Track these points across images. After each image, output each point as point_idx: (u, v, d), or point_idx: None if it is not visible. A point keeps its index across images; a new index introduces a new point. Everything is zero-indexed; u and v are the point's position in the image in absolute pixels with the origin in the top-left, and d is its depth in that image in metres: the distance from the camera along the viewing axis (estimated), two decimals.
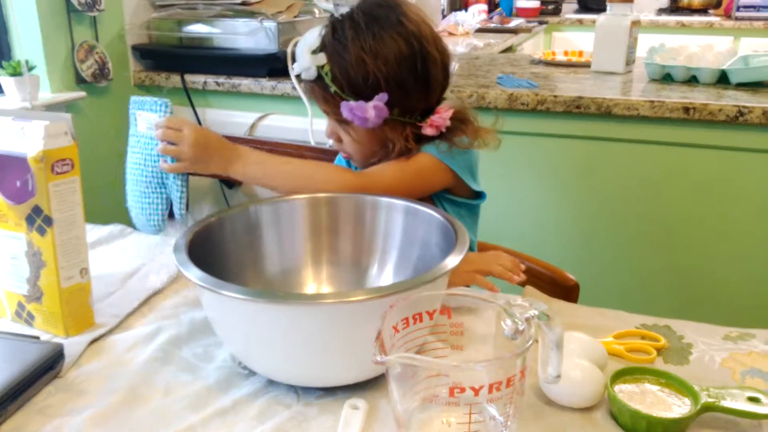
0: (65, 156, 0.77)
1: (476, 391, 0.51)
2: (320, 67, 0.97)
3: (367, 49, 0.95)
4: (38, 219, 0.77)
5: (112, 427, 0.64)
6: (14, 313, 0.83)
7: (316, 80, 0.99)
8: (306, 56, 0.97)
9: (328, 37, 0.98)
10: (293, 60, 1.77)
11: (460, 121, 1.02)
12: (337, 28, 0.98)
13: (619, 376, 0.67)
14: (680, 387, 0.65)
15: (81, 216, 0.80)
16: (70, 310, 0.80)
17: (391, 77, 0.96)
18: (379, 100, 0.96)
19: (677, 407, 0.63)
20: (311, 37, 0.99)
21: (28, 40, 1.67)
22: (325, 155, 1.40)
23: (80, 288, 0.81)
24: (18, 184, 0.77)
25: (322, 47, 0.97)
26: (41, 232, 0.77)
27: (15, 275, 0.81)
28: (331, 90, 0.97)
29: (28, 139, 0.76)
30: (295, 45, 1.81)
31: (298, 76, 1.01)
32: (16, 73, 1.56)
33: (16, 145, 0.76)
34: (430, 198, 1.04)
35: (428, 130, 1.00)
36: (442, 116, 1.01)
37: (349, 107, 0.96)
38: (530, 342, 0.54)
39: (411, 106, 1.00)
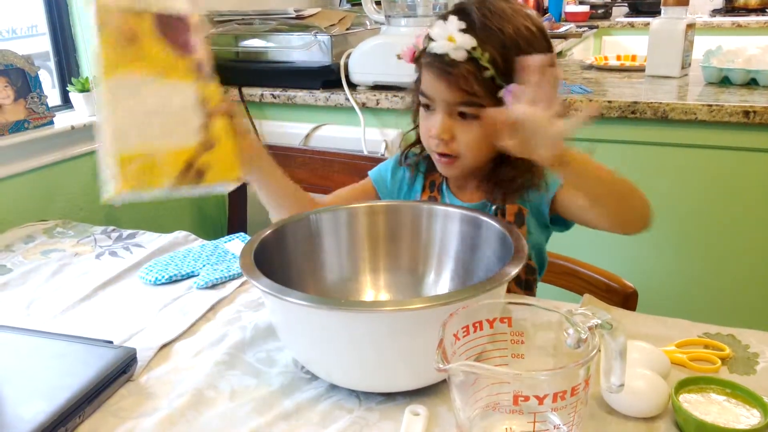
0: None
1: (540, 400, 0.52)
2: (472, 49, 0.87)
3: (527, 29, 0.89)
4: (202, 73, 0.82)
5: (181, 429, 0.67)
6: (178, 176, 0.80)
7: (464, 63, 0.87)
8: (456, 35, 0.87)
9: (477, 17, 0.88)
10: (346, 70, 1.81)
11: None
12: (483, 9, 0.89)
13: (683, 385, 0.66)
14: (748, 398, 0.64)
15: None
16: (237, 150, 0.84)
17: None
18: None
19: (745, 418, 0.62)
20: (451, 19, 0.89)
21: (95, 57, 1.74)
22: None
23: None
24: (185, 38, 0.81)
25: (470, 28, 0.87)
26: (207, 82, 0.82)
27: (184, 129, 0.81)
28: (484, 74, 0.86)
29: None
30: (348, 57, 1.85)
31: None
32: (84, 89, 1.63)
33: (177, 6, 0.81)
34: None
35: None
36: None
37: (514, 91, 0.82)
38: (594, 351, 0.54)
39: None
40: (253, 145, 0.90)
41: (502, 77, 0.86)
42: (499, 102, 0.85)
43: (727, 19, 3.61)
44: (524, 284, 0.99)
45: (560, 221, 0.99)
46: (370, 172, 1.10)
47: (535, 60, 0.74)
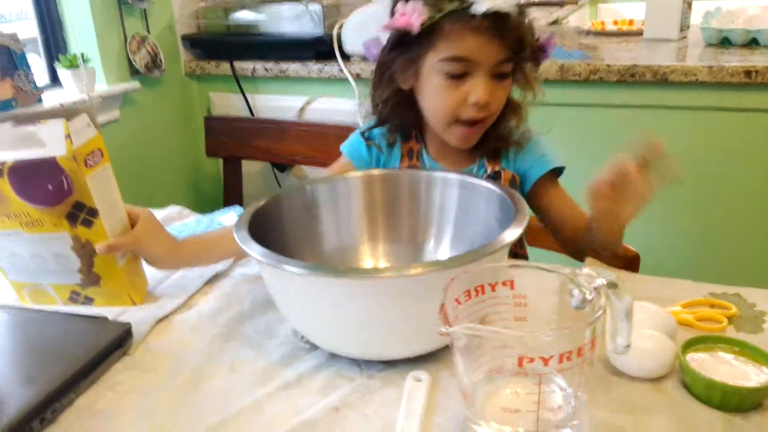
0: (94, 147, 0.77)
1: (546, 361, 0.50)
2: (518, 4, 0.84)
3: None
4: (82, 213, 0.77)
5: (180, 403, 0.66)
6: (67, 299, 0.85)
7: (515, 16, 0.85)
8: None
9: None
10: (339, 41, 1.78)
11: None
12: None
13: (690, 345, 0.65)
14: (757, 356, 0.63)
15: (120, 198, 0.82)
16: (131, 282, 0.84)
17: None
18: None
19: (755, 376, 0.61)
20: None
21: (82, 34, 1.71)
22: None
23: (132, 261, 0.84)
24: (50, 187, 0.75)
25: None
26: (88, 224, 0.78)
27: (63, 271, 0.82)
28: (528, 23, 0.87)
29: (49, 142, 0.74)
30: (341, 27, 1.82)
31: None
32: (72, 66, 1.60)
33: (34, 152, 0.74)
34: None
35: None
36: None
37: (553, 33, 0.89)
38: (600, 311, 0.52)
39: None
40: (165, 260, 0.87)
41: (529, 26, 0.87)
42: (533, 49, 0.88)
43: None
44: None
45: None
46: (342, 147, 1.04)
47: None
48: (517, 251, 1.04)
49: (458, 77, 0.87)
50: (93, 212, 0.77)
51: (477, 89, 0.85)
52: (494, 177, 0.95)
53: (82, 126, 0.76)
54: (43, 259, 0.81)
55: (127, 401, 0.66)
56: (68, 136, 0.73)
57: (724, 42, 1.73)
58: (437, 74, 0.87)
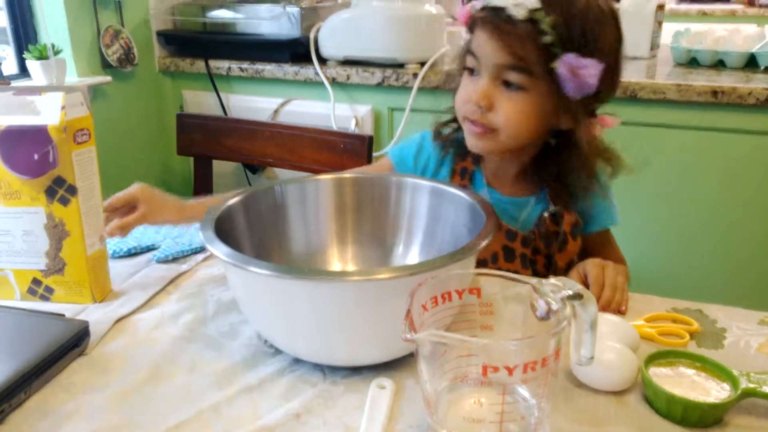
0: (84, 125, 0.79)
1: (510, 371, 0.50)
2: (534, 9, 0.79)
3: (598, 7, 0.81)
4: (60, 190, 0.78)
5: (136, 404, 0.64)
6: (26, 292, 0.83)
7: (522, 22, 0.79)
8: None
9: None
10: (316, 44, 1.77)
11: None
12: None
13: (652, 359, 0.65)
14: (718, 371, 0.63)
15: (98, 184, 0.82)
16: (95, 276, 0.82)
17: (613, 47, 0.83)
18: (598, 68, 0.78)
19: (715, 392, 0.61)
20: None
21: (54, 24, 1.67)
22: (348, 138, 1.39)
23: (101, 254, 0.83)
24: (36, 156, 0.77)
25: None
26: (64, 202, 0.78)
27: (29, 251, 0.81)
28: (542, 39, 0.78)
29: (44, 111, 0.76)
30: (318, 30, 1.81)
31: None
32: (42, 56, 1.56)
33: (28, 119, 0.77)
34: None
35: (597, 130, 0.87)
36: (613, 118, 0.87)
37: (574, 64, 0.78)
38: (565, 322, 0.52)
39: (601, 94, 0.83)
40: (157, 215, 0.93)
41: (560, 46, 0.78)
42: (550, 74, 0.79)
43: (694, 7, 3.64)
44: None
45: None
46: (390, 151, 1.03)
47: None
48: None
49: (471, 73, 0.87)
50: (72, 189, 0.78)
51: (475, 88, 0.85)
52: (555, 216, 0.92)
53: (76, 102, 0.78)
54: (12, 238, 0.81)
55: (81, 402, 0.64)
56: (64, 107, 0.76)
57: (693, 62, 1.77)
58: (465, 67, 0.89)
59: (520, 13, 0.79)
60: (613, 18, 0.84)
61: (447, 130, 0.99)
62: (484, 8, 0.83)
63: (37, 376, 0.65)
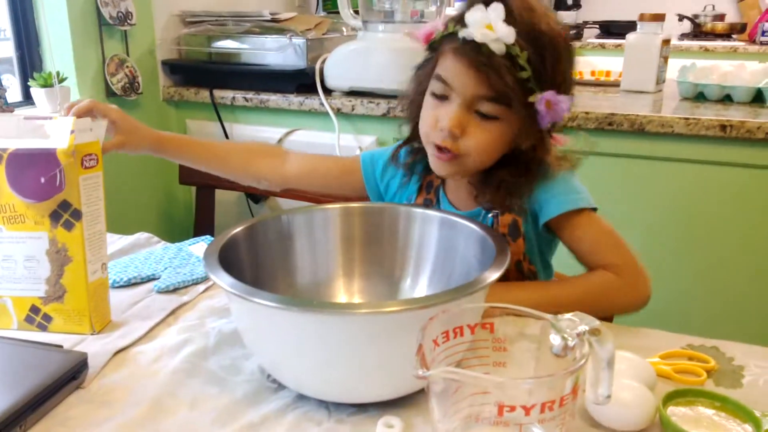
0: (93, 151, 0.79)
1: (527, 411, 0.48)
2: (511, 44, 0.79)
3: (555, 37, 0.82)
4: (65, 214, 0.77)
5: None
6: (23, 320, 0.81)
7: (500, 57, 0.79)
8: (498, 25, 0.79)
9: (517, 9, 0.80)
10: (321, 75, 1.77)
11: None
12: (523, 1, 0.82)
13: (670, 398, 0.63)
14: (739, 412, 0.61)
15: (103, 211, 0.82)
16: (95, 304, 0.80)
17: (572, 75, 0.86)
18: (569, 100, 0.83)
19: None
20: (495, 6, 0.80)
21: (59, 52, 1.68)
22: None
23: (102, 282, 0.82)
24: (42, 180, 0.76)
25: (511, 20, 0.79)
26: (68, 227, 0.77)
27: (30, 278, 0.80)
28: (519, 73, 0.80)
29: (53, 135, 0.76)
30: (324, 61, 1.82)
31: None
32: (47, 84, 1.56)
33: (37, 142, 0.77)
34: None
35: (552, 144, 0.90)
36: (563, 137, 0.91)
37: (549, 100, 0.80)
38: (583, 360, 0.50)
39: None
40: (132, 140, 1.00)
41: (536, 81, 0.80)
42: (527, 107, 0.81)
43: (695, 43, 3.67)
44: None
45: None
46: (362, 153, 1.04)
47: None
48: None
49: (439, 98, 0.86)
50: (77, 214, 0.77)
51: (446, 115, 0.84)
52: (495, 216, 0.92)
53: (86, 128, 0.78)
54: (14, 264, 0.80)
55: None
56: (73, 131, 0.76)
57: (699, 96, 1.77)
58: (429, 91, 0.88)
59: (499, 49, 0.79)
60: (569, 45, 0.86)
61: (406, 156, 0.98)
62: (456, 39, 0.82)
63: (33, 410, 0.63)
